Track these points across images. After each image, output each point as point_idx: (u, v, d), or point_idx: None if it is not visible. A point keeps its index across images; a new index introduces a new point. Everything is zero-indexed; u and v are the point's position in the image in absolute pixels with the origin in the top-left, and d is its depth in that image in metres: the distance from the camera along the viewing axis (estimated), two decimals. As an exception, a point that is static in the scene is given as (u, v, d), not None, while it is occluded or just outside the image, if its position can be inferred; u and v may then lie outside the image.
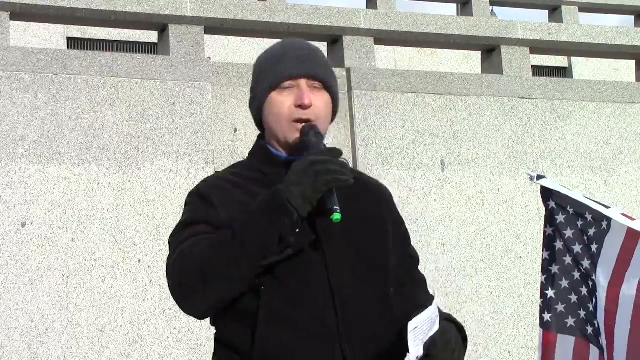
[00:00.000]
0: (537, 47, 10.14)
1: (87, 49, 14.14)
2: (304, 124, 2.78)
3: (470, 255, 8.88)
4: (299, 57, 2.84)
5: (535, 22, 10.40)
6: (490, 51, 10.05)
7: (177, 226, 2.83)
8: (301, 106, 2.78)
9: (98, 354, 7.64)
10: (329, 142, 10.03)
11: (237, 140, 8.48)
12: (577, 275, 3.75)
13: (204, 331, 7.69)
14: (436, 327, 2.67)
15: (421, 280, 3.07)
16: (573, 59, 15.67)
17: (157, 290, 7.65)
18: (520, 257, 9.01)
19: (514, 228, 9.09)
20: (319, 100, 2.86)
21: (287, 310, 2.62)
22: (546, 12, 12.49)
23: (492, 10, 14.30)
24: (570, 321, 3.76)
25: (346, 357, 2.64)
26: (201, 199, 2.77)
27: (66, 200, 7.79)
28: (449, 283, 8.76)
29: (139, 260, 7.83)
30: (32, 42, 13.27)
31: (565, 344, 3.76)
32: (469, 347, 8.10)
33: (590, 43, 10.31)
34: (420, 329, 2.61)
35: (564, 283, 3.79)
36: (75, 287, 7.68)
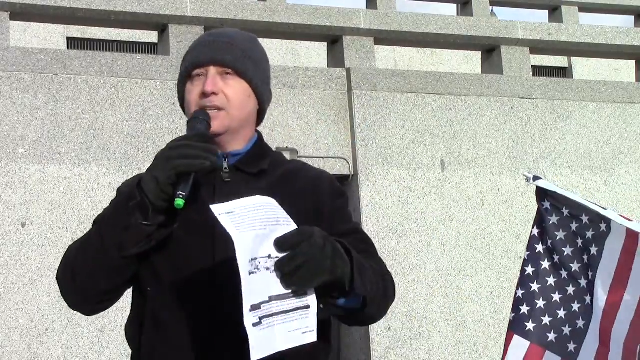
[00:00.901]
0: (537, 47, 10.14)
1: (87, 49, 14.14)
2: (195, 110, 2.66)
3: (470, 255, 8.88)
4: (209, 43, 2.71)
5: (535, 22, 10.40)
6: (490, 51, 10.05)
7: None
8: (204, 94, 2.66)
9: (98, 354, 7.64)
10: (329, 142, 10.03)
11: (237, 140, 8.48)
12: (551, 280, 3.71)
13: (204, 331, 7.70)
14: (284, 227, 2.35)
15: (360, 249, 2.62)
16: (573, 59, 15.67)
17: (157, 290, 7.65)
18: (520, 257, 8.98)
19: (514, 228, 9.09)
20: (229, 88, 2.69)
21: (168, 316, 2.55)
22: (546, 12, 12.50)
23: (492, 10, 14.30)
24: (530, 326, 3.72)
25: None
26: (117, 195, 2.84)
27: (66, 200, 7.79)
28: (449, 283, 8.76)
29: (139, 260, 7.83)
30: (32, 42, 13.27)
31: (518, 347, 3.72)
32: (469, 347, 8.05)
33: (590, 43, 10.31)
34: (242, 216, 2.33)
35: (534, 286, 3.75)
36: (75, 287, 7.68)
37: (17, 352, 7.47)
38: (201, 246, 2.57)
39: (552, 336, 3.69)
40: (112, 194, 8.97)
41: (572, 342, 3.66)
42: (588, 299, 3.66)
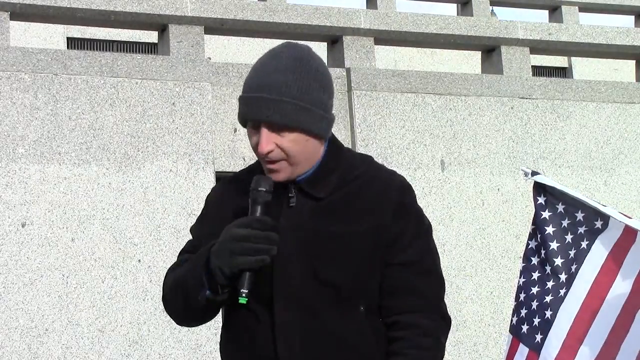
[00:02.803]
0: (537, 47, 10.14)
1: (87, 49, 14.14)
2: (259, 177, 2.71)
3: (470, 255, 8.88)
4: (257, 100, 2.71)
5: (535, 22, 10.40)
6: (490, 51, 10.05)
7: (195, 223, 2.94)
8: (260, 154, 2.74)
9: (98, 354, 7.64)
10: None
11: (237, 140, 8.48)
12: (535, 275, 3.73)
13: (204, 331, 7.69)
14: None
15: (408, 288, 2.73)
16: (573, 59, 15.67)
17: (157, 290, 7.65)
18: (520, 257, 8.99)
19: (514, 228, 9.09)
20: (285, 142, 2.71)
21: (237, 327, 2.73)
22: (546, 12, 12.48)
23: (492, 10, 14.30)
24: (514, 320, 3.76)
25: None
26: (207, 207, 2.86)
27: (66, 200, 7.79)
28: (449, 283, 8.73)
29: (139, 260, 7.83)
30: (32, 42, 13.27)
31: (508, 343, 3.77)
32: (469, 347, 8.06)
33: (590, 43, 10.31)
34: None
35: (521, 281, 3.79)
36: (75, 287, 7.68)
37: (17, 352, 7.47)
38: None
39: (525, 328, 3.72)
40: (112, 194, 8.90)
41: (539, 333, 3.68)
42: (562, 291, 3.67)
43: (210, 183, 8.08)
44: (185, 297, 2.69)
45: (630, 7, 11.92)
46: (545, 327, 3.65)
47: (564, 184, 3.95)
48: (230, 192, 2.81)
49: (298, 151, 2.77)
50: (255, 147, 2.71)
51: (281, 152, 2.72)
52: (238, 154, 8.42)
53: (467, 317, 8.72)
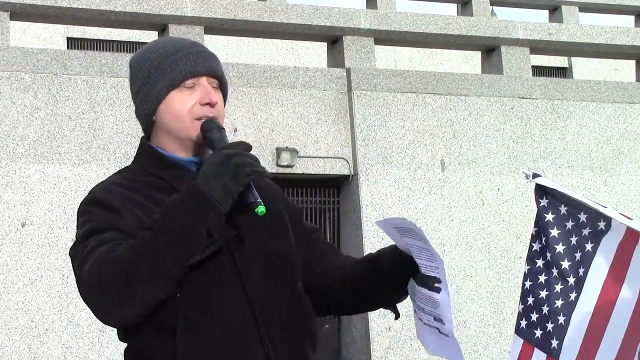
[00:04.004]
0: (537, 47, 10.15)
1: (87, 49, 14.15)
2: (205, 120, 2.67)
3: (470, 255, 8.88)
4: (199, 54, 2.72)
5: (535, 22, 10.40)
6: (490, 51, 10.06)
7: (78, 238, 2.62)
8: (209, 104, 2.68)
9: (98, 354, 7.64)
10: (329, 142, 10.03)
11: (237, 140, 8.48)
12: (542, 278, 3.73)
13: (204, 331, 7.71)
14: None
15: (328, 247, 2.88)
16: (573, 59, 15.68)
17: (157, 290, 7.66)
18: (520, 257, 9.01)
19: (514, 228, 9.09)
20: (218, 98, 2.76)
21: (205, 320, 2.56)
22: (546, 12, 12.49)
23: (492, 10, 14.30)
24: (523, 323, 3.76)
25: (269, 356, 2.57)
26: (100, 207, 2.62)
27: (66, 200, 7.79)
28: (449, 283, 8.76)
29: (139, 260, 7.84)
30: (32, 42, 13.28)
31: (515, 346, 3.77)
32: (469, 347, 8.08)
33: (590, 43, 10.31)
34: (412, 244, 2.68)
35: (527, 284, 3.79)
36: (75, 287, 7.67)
37: (17, 352, 7.47)
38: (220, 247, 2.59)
39: (538, 333, 3.73)
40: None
41: (554, 339, 3.70)
42: (573, 295, 3.68)
43: (210, 183, 8.09)
44: (163, 261, 2.46)
45: (630, 7, 11.92)
46: (560, 332, 3.66)
47: (564, 184, 3.96)
48: (123, 188, 2.68)
49: (223, 114, 2.80)
50: (189, 108, 2.66)
51: (217, 108, 2.74)
52: (238, 154, 8.44)
53: (467, 317, 8.72)
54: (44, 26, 13.39)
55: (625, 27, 10.84)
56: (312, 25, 9.25)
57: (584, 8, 12.15)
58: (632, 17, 12.15)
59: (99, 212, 2.61)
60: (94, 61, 8.11)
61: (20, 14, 8.50)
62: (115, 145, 7.98)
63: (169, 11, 8.74)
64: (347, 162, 8.79)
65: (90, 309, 2.58)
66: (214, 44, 13.45)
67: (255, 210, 2.50)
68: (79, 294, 2.60)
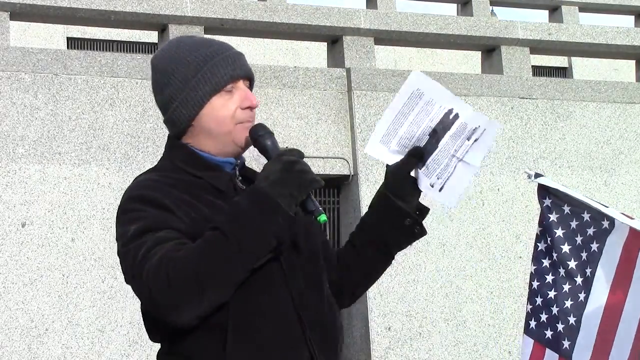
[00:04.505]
0: (537, 47, 10.15)
1: (87, 49, 14.15)
2: (254, 125, 2.71)
3: (470, 255, 8.88)
4: (234, 57, 2.74)
5: (535, 22, 10.40)
6: (490, 51, 10.06)
7: (128, 236, 2.60)
8: (250, 107, 2.71)
9: (98, 354, 7.64)
10: (329, 142, 10.00)
11: (237, 140, 8.49)
12: (549, 278, 3.73)
13: (204, 331, 7.70)
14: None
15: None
16: (573, 59, 15.67)
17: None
18: (520, 257, 9.01)
19: (514, 228, 9.09)
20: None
21: (255, 320, 2.60)
22: (546, 12, 12.50)
23: (492, 10, 14.30)
24: (532, 324, 3.76)
25: (314, 356, 2.65)
26: (151, 205, 2.61)
27: (66, 200, 7.79)
28: (449, 283, 8.76)
29: (139, 260, 7.83)
30: (32, 42, 13.27)
31: (526, 347, 3.77)
32: (469, 347, 8.06)
33: (590, 43, 10.31)
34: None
35: (535, 284, 3.79)
36: (75, 287, 7.68)
37: (17, 352, 7.47)
38: None
39: (549, 333, 3.72)
40: (112, 194, 8.87)
41: (565, 339, 3.69)
42: (582, 296, 3.68)
43: (210, 183, 8.09)
44: (234, 263, 2.50)
45: (630, 7, 11.93)
46: (572, 333, 3.66)
47: (564, 184, 3.95)
48: (169, 186, 2.68)
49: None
50: (232, 113, 2.69)
51: (254, 111, 2.77)
52: (238, 154, 8.44)
53: (467, 317, 8.72)
54: (44, 26, 13.40)
55: (625, 27, 10.84)
56: (312, 25, 9.25)
57: (584, 8, 12.16)
58: (632, 17, 12.15)
59: (151, 210, 2.61)
60: (94, 61, 8.11)
61: (20, 14, 8.50)
62: (115, 145, 7.98)
63: (169, 11, 8.74)
64: (347, 162, 8.79)
65: (150, 307, 2.58)
66: (214, 44, 13.45)
67: (317, 218, 2.59)
68: (131, 289, 2.60)
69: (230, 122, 2.69)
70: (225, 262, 2.50)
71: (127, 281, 2.62)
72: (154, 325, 2.67)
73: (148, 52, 13.82)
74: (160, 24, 8.88)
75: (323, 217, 2.58)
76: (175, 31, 8.72)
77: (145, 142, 8.07)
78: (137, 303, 7.68)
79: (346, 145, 8.80)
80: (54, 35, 14.20)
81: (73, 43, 14.65)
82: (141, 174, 2.75)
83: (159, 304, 2.53)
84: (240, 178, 2.76)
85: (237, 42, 14.26)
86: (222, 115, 2.69)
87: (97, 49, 14.50)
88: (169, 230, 2.57)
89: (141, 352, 7.63)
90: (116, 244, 2.65)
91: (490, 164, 9.15)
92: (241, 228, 2.50)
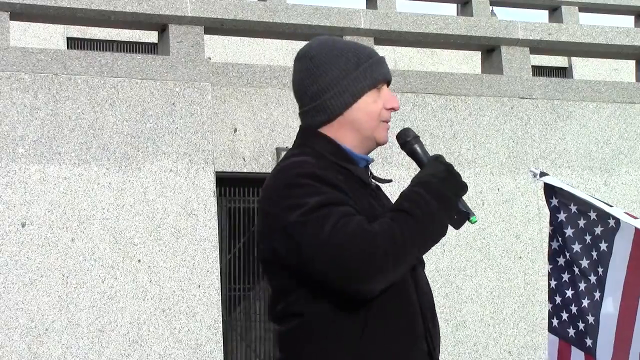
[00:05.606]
0: (537, 47, 10.15)
1: (87, 49, 14.15)
2: (403, 128, 3.01)
3: (470, 255, 8.88)
4: (384, 61, 2.98)
5: (535, 22, 10.40)
6: (490, 51, 10.06)
7: (310, 206, 2.71)
8: (393, 109, 2.94)
9: (98, 354, 7.64)
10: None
11: (237, 140, 8.48)
12: (566, 277, 3.75)
13: (204, 331, 7.69)
14: None
15: None
16: (573, 59, 15.67)
17: (157, 290, 7.65)
18: (520, 257, 9.01)
19: (514, 228, 9.09)
20: None
21: (392, 307, 2.82)
22: (546, 12, 12.49)
23: (492, 10, 14.30)
24: (555, 322, 3.78)
25: (430, 349, 2.90)
26: (326, 184, 2.76)
27: (66, 200, 7.79)
28: (449, 283, 8.76)
29: (139, 260, 7.83)
30: (32, 42, 13.28)
31: (551, 344, 3.79)
32: (469, 347, 8.07)
33: (590, 43, 10.31)
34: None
35: (552, 283, 3.81)
36: (75, 287, 7.68)
37: (17, 352, 7.47)
38: None
39: (571, 331, 3.76)
40: (112, 194, 8.85)
41: (588, 338, 3.73)
42: (597, 295, 3.71)
43: (210, 183, 8.09)
44: (432, 235, 2.82)
45: (630, 7, 11.92)
46: (592, 332, 3.71)
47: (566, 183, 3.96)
48: (334, 177, 2.83)
49: None
50: (379, 111, 2.90)
51: None
52: (238, 154, 8.42)
53: (467, 317, 8.72)
54: (44, 26, 13.40)
55: (625, 27, 10.83)
56: (312, 25, 9.25)
57: (584, 8, 12.15)
58: (632, 17, 12.14)
59: (326, 188, 2.75)
60: (94, 61, 8.11)
61: (20, 14, 8.50)
62: (115, 145, 7.98)
63: (169, 11, 8.74)
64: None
65: (337, 274, 2.69)
66: (214, 44, 13.45)
67: (470, 219, 2.92)
68: (309, 259, 2.68)
69: (377, 118, 2.91)
70: (416, 244, 2.77)
71: (304, 252, 2.70)
72: (297, 299, 2.78)
73: (148, 52, 13.82)
74: (160, 24, 8.88)
75: (474, 218, 2.91)
76: (175, 31, 8.72)
77: (145, 142, 8.07)
78: (137, 303, 7.70)
79: (346, 145, 8.80)
80: (54, 35, 14.20)
81: (73, 43, 14.65)
82: (291, 157, 2.87)
83: (352, 272, 2.67)
84: (371, 175, 2.97)
85: (237, 42, 14.29)
86: (372, 110, 2.90)
87: (97, 49, 14.50)
88: (349, 207, 2.73)
89: (141, 352, 7.63)
90: (280, 216, 2.74)
91: (490, 164, 9.15)
92: (429, 216, 2.79)
